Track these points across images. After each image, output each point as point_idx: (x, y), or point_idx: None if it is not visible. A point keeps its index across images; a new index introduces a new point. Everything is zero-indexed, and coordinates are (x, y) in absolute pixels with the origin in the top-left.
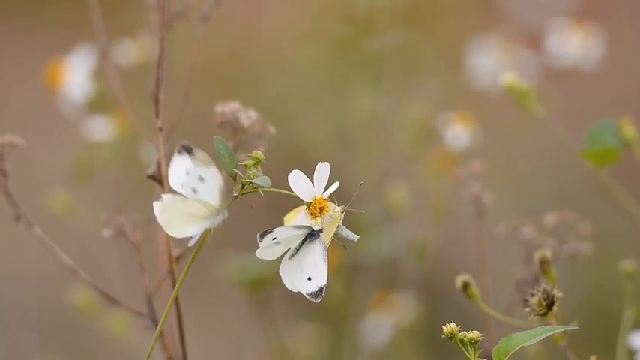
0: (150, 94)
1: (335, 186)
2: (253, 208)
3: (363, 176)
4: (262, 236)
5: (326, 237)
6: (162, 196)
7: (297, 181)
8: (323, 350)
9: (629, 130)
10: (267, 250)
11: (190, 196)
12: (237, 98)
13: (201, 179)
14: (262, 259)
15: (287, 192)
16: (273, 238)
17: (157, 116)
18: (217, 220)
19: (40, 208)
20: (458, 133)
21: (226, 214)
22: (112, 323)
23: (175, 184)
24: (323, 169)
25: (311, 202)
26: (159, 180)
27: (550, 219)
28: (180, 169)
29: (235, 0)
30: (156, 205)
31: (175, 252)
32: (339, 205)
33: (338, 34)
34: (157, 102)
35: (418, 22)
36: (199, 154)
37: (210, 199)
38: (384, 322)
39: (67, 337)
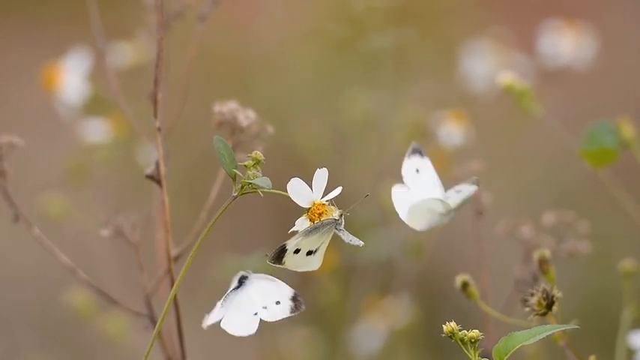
0: (148, 94)
1: (337, 191)
2: None
3: (359, 177)
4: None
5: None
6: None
7: (296, 189)
8: (318, 354)
9: (627, 130)
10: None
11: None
12: (235, 98)
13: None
14: (258, 262)
15: (286, 194)
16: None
17: (156, 116)
18: (449, 218)
19: (37, 209)
20: (451, 131)
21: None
22: (110, 324)
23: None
24: (321, 175)
25: (310, 208)
26: (157, 180)
27: (549, 218)
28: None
29: (232, 0)
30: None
31: (174, 252)
32: (338, 209)
33: (334, 34)
34: (155, 102)
35: (415, 22)
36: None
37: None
38: (378, 327)
39: (66, 337)
